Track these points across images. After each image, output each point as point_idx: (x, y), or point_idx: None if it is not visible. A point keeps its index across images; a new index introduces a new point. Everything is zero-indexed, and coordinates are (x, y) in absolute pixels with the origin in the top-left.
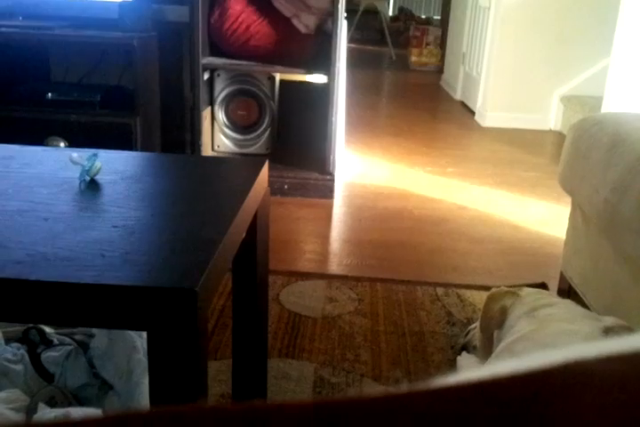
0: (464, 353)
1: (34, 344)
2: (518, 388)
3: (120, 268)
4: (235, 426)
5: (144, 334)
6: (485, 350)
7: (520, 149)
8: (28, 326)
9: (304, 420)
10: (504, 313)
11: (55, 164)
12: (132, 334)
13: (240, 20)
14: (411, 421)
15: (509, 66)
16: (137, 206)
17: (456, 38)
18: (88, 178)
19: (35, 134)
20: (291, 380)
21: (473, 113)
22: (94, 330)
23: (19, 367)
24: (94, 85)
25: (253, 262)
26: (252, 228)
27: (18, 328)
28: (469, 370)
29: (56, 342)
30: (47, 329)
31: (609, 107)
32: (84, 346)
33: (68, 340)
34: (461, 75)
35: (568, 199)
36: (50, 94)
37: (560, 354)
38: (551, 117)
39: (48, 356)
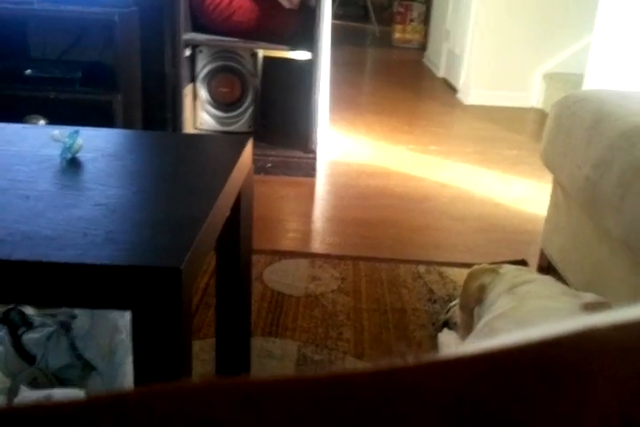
0: (445, 330)
1: (15, 326)
2: (531, 358)
3: (103, 247)
4: (237, 401)
5: (127, 314)
6: (466, 327)
7: (502, 126)
8: (9, 307)
9: (305, 395)
10: (483, 291)
11: (36, 141)
12: (115, 314)
13: None
14: (417, 396)
15: (492, 43)
16: (119, 184)
17: (440, 15)
18: (69, 155)
19: (14, 112)
20: (274, 358)
21: (455, 90)
22: (76, 311)
23: None
24: (74, 62)
25: (237, 241)
26: (236, 206)
27: None
28: (458, 345)
29: (37, 323)
30: (28, 310)
31: (590, 84)
32: (65, 327)
33: (49, 321)
34: (445, 52)
35: (549, 177)
36: (29, 71)
37: (572, 324)
38: (533, 95)
39: (29, 337)
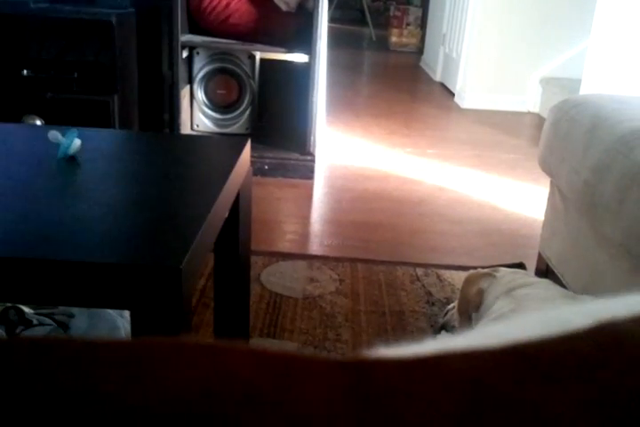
0: (443, 333)
1: (12, 324)
2: (552, 351)
3: (103, 245)
4: (268, 372)
5: (125, 313)
6: (464, 331)
7: (499, 130)
8: (7, 306)
9: (332, 377)
10: (481, 295)
11: (34, 141)
12: (113, 313)
13: None
14: (438, 380)
15: (489, 47)
16: (118, 185)
17: (436, 19)
18: (67, 156)
19: (10, 112)
20: None
21: (453, 94)
22: (74, 310)
23: None
24: (71, 62)
25: (236, 242)
26: (235, 207)
27: None
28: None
29: (35, 322)
30: (26, 309)
31: (587, 89)
32: (63, 326)
33: (47, 320)
34: (441, 56)
35: (546, 181)
36: (25, 71)
37: (592, 313)
38: (530, 99)
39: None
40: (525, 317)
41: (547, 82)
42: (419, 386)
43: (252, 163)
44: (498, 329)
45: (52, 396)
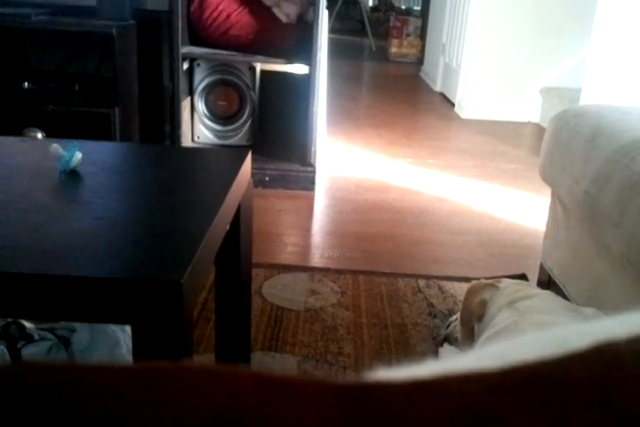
0: (446, 345)
1: (14, 339)
2: (551, 374)
3: (104, 260)
4: (266, 399)
5: (127, 328)
6: (467, 343)
7: (499, 140)
8: (8, 321)
9: (332, 401)
10: (484, 306)
11: (35, 155)
12: (115, 328)
13: (220, 8)
14: (433, 404)
15: (489, 57)
16: (119, 198)
17: (436, 29)
18: (68, 169)
19: (11, 125)
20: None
21: (453, 104)
22: (76, 325)
23: None
24: (72, 74)
25: (237, 255)
26: (236, 220)
27: None
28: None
29: (37, 337)
30: (27, 324)
31: (587, 99)
32: (65, 341)
33: (49, 335)
34: (441, 66)
35: (547, 191)
36: (26, 84)
37: (591, 333)
38: (530, 109)
39: (29, 351)
40: (524, 336)
41: (547, 92)
42: (418, 410)
43: (253, 174)
44: (497, 349)
45: (55, 423)
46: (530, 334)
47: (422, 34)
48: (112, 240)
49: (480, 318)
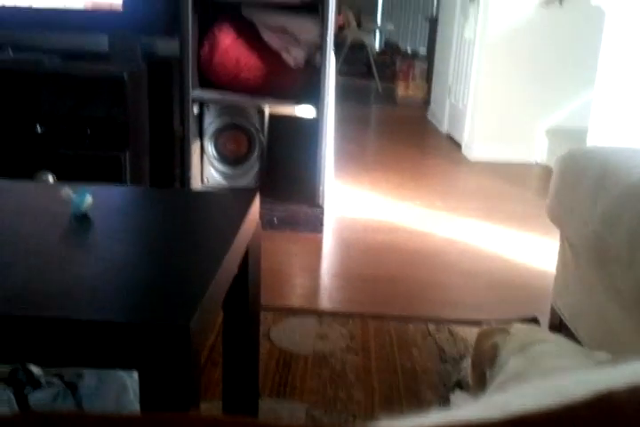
0: (457, 391)
1: (21, 385)
2: (551, 424)
3: (111, 304)
4: None
5: (135, 373)
6: (478, 389)
7: (507, 182)
8: (16, 367)
9: None
10: (495, 349)
11: (46, 199)
12: (123, 374)
13: (230, 53)
14: None
15: (495, 99)
16: (128, 241)
17: (442, 71)
18: (79, 213)
19: (23, 168)
20: (282, 421)
21: (460, 146)
22: (84, 370)
23: (4, 410)
24: (84, 118)
25: (245, 298)
26: (244, 263)
27: (4, 369)
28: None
29: (44, 382)
30: (35, 369)
31: (594, 139)
32: (72, 387)
33: (56, 380)
34: (447, 108)
35: (556, 232)
36: (39, 127)
37: (591, 382)
38: (537, 150)
39: (36, 397)
40: (527, 385)
41: (553, 133)
42: None
43: (262, 216)
44: (501, 399)
45: None
46: (533, 382)
47: (428, 76)
48: (120, 284)
49: (492, 362)
